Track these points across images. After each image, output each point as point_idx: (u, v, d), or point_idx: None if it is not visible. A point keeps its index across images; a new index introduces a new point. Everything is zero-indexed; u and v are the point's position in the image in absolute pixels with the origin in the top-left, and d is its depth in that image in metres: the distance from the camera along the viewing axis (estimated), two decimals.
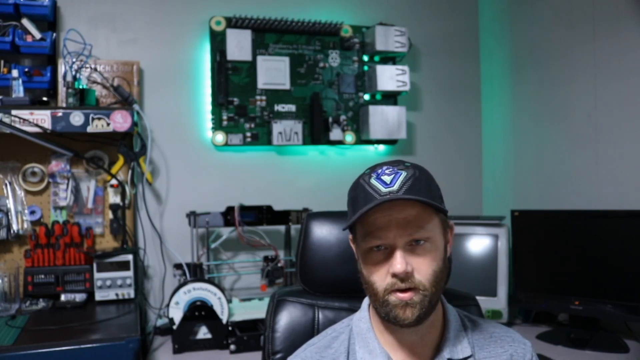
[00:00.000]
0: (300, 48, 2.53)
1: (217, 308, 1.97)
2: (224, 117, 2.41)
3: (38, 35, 2.07)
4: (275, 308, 1.26)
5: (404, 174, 0.92)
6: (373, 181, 0.93)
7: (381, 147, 2.67)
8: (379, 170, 0.94)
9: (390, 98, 2.65)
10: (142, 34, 2.36)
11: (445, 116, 2.80)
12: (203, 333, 1.95)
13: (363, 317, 1.03)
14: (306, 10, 2.54)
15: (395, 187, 0.90)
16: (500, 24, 2.72)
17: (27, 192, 2.15)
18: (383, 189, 0.90)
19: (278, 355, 1.21)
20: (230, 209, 2.22)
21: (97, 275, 2.07)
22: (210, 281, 2.04)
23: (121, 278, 2.09)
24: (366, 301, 1.05)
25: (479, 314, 1.24)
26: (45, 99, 2.10)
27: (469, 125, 2.84)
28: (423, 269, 0.91)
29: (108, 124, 2.02)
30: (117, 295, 2.08)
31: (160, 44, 2.38)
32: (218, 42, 2.41)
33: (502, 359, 1.00)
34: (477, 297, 1.30)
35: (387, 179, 0.92)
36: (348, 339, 1.02)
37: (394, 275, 0.90)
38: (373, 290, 0.93)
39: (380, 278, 0.92)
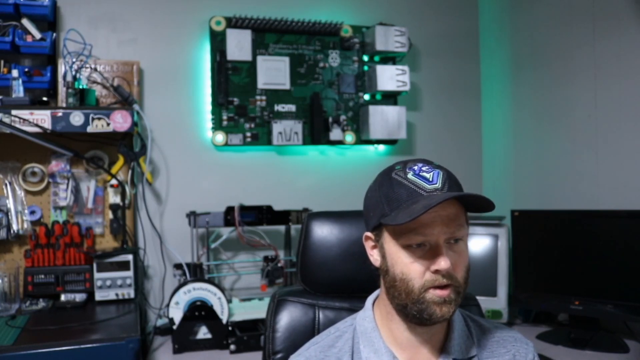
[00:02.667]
0: (300, 48, 2.53)
1: (217, 308, 1.97)
2: (224, 117, 2.41)
3: (38, 35, 2.07)
4: (275, 308, 1.26)
5: (441, 171, 0.93)
6: (413, 177, 0.92)
7: (381, 147, 2.67)
8: (415, 167, 0.93)
9: (390, 98, 2.65)
10: (142, 34, 2.35)
11: (445, 116, 2.80)
12: (203, 333, 1.95)
13: (367, 317, 1.02)
14: (306, 10, 2.54)
15: (439, 184, 0.91)
16: (500, 24, 2.72)
17: (27, 192, 2.15)
18: (428, 186, 0.90)
19: (278, 355, 1.21)
20: (230, 209, 2.22)
21: (97, 275, 2.07)
22: (210, 281, 2.04)
23: (121, 278, 2.09)
24: (370, 300, 1.05)
25: (479, 314, 1.24)
26: (45, 99, 2.10)
27: (469, 125, 2.84)
28: (459, 266, 0.92)
29: (108, 124, 2.02)
30: (117, 295, 2.08)
31: (160, 44, 2.38)
32: (218, 42, 2.41)
33: (505, 359, 1.01)
34: (477, 297, 1.30)
35: (427, 175, 0.91)
36: (352, 338, 1.02)
37: (436, 272, 0.89)
38: (407, 288, 0.91)
39: (419, 275, 0.90)
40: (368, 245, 1.01)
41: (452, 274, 0.90)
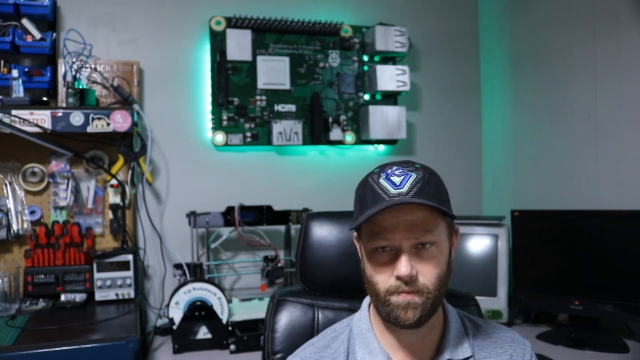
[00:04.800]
0: (300, 48, 2.53)
1: (217, 308, 1.97)
2: (224, 117, 2.41)
3: (38, 35, 2.07)
4: (275, 308, 1.26)
5: (413, 175, 0.91)
6: (382, 181, 0.92)
7: (381, 147, 2.67)
8: (389, 171, 0.93)
9: (390, 98, 2.65)
10: (142, 34, 2.36)
11: (445, 116, 2.80)
12: (203, 333, 1.95)
13: (363, 318, 1.03)
14: (306, 10, 2.54)
15: (405, 189, 0.90)
16: (500, 24, 2.72)
17: (27, 192, 2.15)
18: (392, 190, 0.90)
19: (278, 355, 1.21)
20: (230, 209, 2.22)
21: (97, 275, 2.07)
22: (210, 281, 2.04)
23: (121, 278, 2.09)
24: (366, 301, 1.05)
25: (479, 314, 1.24)
26: (45, 99, 2.10)
27: (469, 125, 2.84)
28: (428, 272, 0.91)
29: (108, 124, 2.02)
30: (117, 295, 2.08)
31: (160, 44, 2.38)
32: (218, 42, 2.41)
33: (502, 359, 1.00)
34: (477, 297, 1.30)
35: (396, 180, 0.91)
36: (348, 339, 1.02)
37: (398, 278, 0.89)
38: (375, 290, 0.93)
39: (384, 279, 0.91)
40: (357, 245, 1.03)
41: (419, 280, 0.90)
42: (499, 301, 2.14)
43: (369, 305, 1.04)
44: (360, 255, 0.99)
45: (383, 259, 0.92)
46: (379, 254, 0.92)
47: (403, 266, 0.88)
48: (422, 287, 0.90)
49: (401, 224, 0.89)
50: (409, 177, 0.91)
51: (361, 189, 0.96)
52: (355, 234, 1.02)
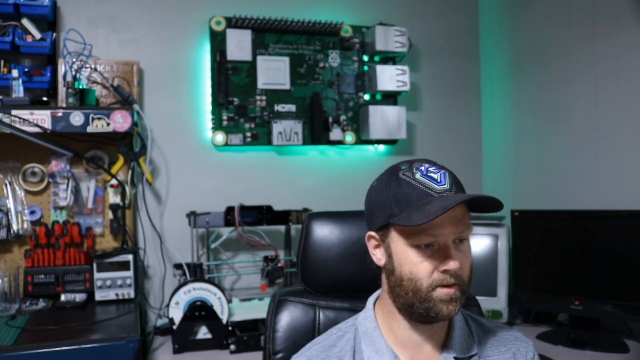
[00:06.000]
0: (300, 48, 2.53)
1: (217, 308, 1.97)
2: (224, 117, 2.41)
3: (38, 35, 2.07)
4: (276, 308, 1.26)
5: (446, 172, 0.94)
6: (421, 178, 0.92)
7: (381, 147, 2.67)
8: (422, 168, 0.93)
9: (390, 98, 2.65)
10: (142, 34, 2.35)
11: (445, 116, 2.80)
12: (203, 333, 1.95)
13: (368, 316, 1.03)
14: (306, 10, 2.54)
15: (447, 185, 0.92)
16: (500, 24, 2.72)
17: (27, 192, 2.15)
18: (437, 187, 0.91)
19: (279, 355, 1.21)
20: (230, 209, 2.22)
21: (97, 275, 2.07)
22: (210, 281, 2.04)
23: (121, 278, 2.09)
24: (371, 300, 1.05)
25: (480, 314, 1.25)
26: (45, 99, 2.10)
27: (469, 125, 2.84)
28: (465, 266, 0.93)
29: (108, 124, 2.02)
30: (117, 295, 2.08)
31: (160, 44, 2.38)
32: (218, 42, 2.41)
33: (505, 357, 1.01)
34: (477, 297, 1.30)
35: (435, 176, 0.92)
36: (354, 337, 1.02)
37: (445, 272, 0.90)
38: (415, 287, 0.91)
39: (427, 274, 0.91)
40: (371, 244, 1.01)
41: (459, 273, 0.91)
42: (499, 301, 2.14)
43: (374, 304, 1.04)
44: (387, 254, 0.97)
45: (426, 255, 0.91)
46: (422, 250, 0.91)
47: (453, 261, 0.89)
48: (461, 280, 0.92)
49: (448, 220, 0.90)
50: (445, 173, 0.93)
51: (394, 186, 0.94)
52: (373, 233, 0.99)
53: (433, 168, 0.93)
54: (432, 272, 0.91)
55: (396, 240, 0.94)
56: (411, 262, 0.92)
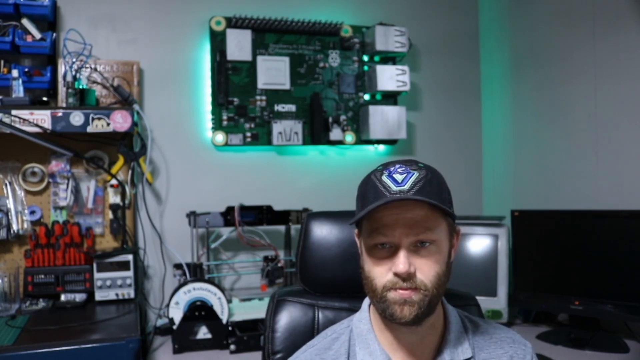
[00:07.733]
0: (300, 48, 2.53)
1: (217, 308, 1.97)
2: (224, 117, 2.41)
3: (38, 35, 2.07)
4: (275, 308, 1.26)
5: (416, 174, 0.92)
6: (384, 178, 0.92)
7: (381, 147, 2.67)
8: (392, 168, 0.94)
9: (390, 98, 2.65)
10: (142, 34, 2.35)
11: (445, 116, 2.80)
12: (203, 333, 1.95)
13: (363, 318, 1.03)
14: (306, 10, 2.54)
15: (406, 186, 0.90)
16: (500, 24, 2.72)
17: (27, 192, 2.15)
18: (394, 188, 0.90)
19: (278, 355, 1.21)
20: (230, 209, 2.22)
21: (97, 275, 2.07)
22: (210, 281, 2.04)
23: (121, 278, 2.09)
24: (366, 302, 1.05)
25: (479, 314, 1.24)
26: (45, 99, 2.10)
27: (469, 125, 2.84)
28: (426, 270, 0.91)
29: (108, 124, 2.02)
30: (117, 295, 2.08)
31: (160, 44, 2.38)
32: (218, 42, 2.41)
33: None
34: (477, 297, 1.30)
35: (398, 177, 0.92)
36: (348, 340, 1.02)
37: (396, 275, 0.90)
38: (372, 286, 0.93)
39: (381, 274, 0.92)
40: (357, 242, 1.03)
41: (415, 277, 0.90)
42: (499, 301, 2.14)
43: (369, 305, 1.04)
44: (360, 251, 0.99)
45: (382, 255, 0.92)
46: (378, 250, 0.93)
47: (401, 262, 0.89)
48: (420, 284, 0.90)
49: (401, 221, 0.90)
50: (411, 175, 0.92)
51: (363, 185, 0.97)
52: (356, 230, 1.02)
53: (402, 169, 0.93)
54: (386, 274, 0.91)
55: (364, 239, 0.96)
56: (369, 262, 0.94)
